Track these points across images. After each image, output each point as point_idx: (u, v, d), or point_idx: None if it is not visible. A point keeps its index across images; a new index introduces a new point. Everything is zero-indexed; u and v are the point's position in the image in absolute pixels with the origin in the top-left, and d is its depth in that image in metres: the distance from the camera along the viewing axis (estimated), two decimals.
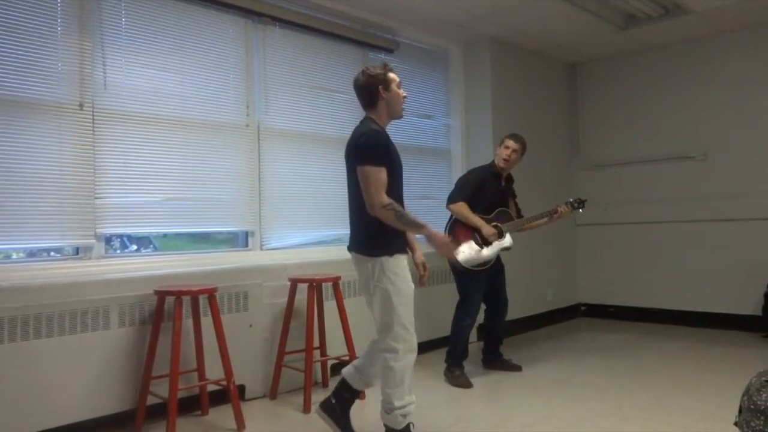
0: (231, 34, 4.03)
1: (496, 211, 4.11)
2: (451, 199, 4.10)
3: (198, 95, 3.84)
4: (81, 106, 3.32)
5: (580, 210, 4.21)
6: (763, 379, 2.26)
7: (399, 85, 2.82)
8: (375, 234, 2.71)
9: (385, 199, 2.63)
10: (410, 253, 2.91)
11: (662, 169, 5.88)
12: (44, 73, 3.20)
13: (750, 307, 5.24)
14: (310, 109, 4.44)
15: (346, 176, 2.84)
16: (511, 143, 4.11)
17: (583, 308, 6.48)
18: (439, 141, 5.53)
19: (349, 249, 2.85)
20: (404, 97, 2.84)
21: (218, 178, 3.91)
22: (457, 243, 3.94)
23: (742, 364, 4.15)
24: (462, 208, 4.01)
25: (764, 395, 2.19)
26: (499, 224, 4.05)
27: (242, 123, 4.06)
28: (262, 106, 4.17)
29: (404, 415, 2.74)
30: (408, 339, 2.72)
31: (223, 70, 3.98)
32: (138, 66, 3.57)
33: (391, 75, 2.79)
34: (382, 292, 2.69)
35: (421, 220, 2.73)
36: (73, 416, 3.01)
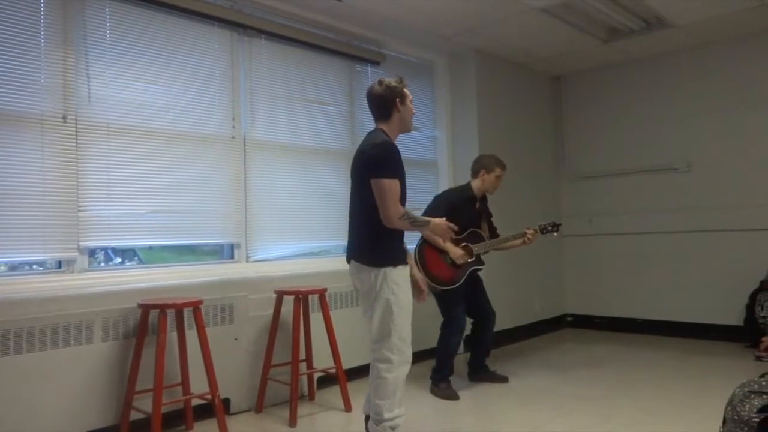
0: (217, 46, 4.03)
1: (468, 231, 4.08)
2: None
3: (183, 107, 3.82)
4: (64, 118, 3.30)
5: (555, 234, 4.21)
6: (747, 389, 2.28)
7: (411, 101, 2.88)
8: (379, 244, 2.73)
9: (401, 209, 2.68)
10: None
11: (647, 181, 5.94)
12: (27, 85, 3.17)
13: (734, 317, 5.28)
14: (296, 122, 4.44)
15: (351, 186, 2.87)
16: (502, 173, 4.14)
17: (569, 319, 6.51)
18: (426, 153, 5.55)
19: (349, 259, 2.85)
20: (413, 113, 2.90)
21: (204, 190, 3.89)
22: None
23: (726, 374, 4.18)
24: None
25: (747, 406, 2.20)
26: (469, 245, 4.05)
27: (228, 135, 4.05)
28: (248, 118, 4.16)
29: (393, 428, 2.73)
30: (404, 351, 2.73)
31: (209, 82, 3.97)
32: (122, 78, 3.55)
33: (406, 90, 2.85)
34: (384, 303, 2.68)
35: (424, 218, 2.89)
36: None
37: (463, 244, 4.03)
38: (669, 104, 5.82)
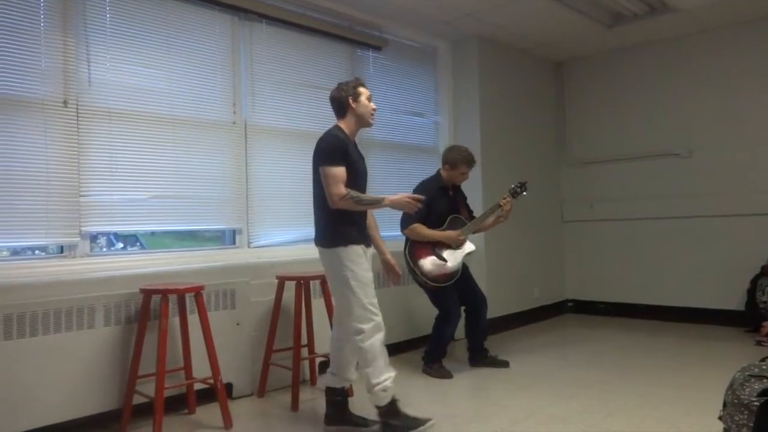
0: (217, 30, 4.01)
1: (448, 219, 4.10)
2: (404, 224, 4.04)
3: (184, 92, 3.81)
4: (65, 103, 3.29)
5: (524, 193, 4.18)
6: (747, 374, 2.28)
7: (369, 98, 3.03)
8: (331, 227, 2.94)
9: (342, 190, 2.84)
10: (377, 252, 3.19)
11: (648, 166, 5.92)
12: (27, 69, 3.16)
13: (734, 302, 5.29)
14: (297, 107, 4.42)
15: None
16: (467, 170, 4.13)
17: (570, 304, 6.52)
18: (428, 138, 5.52)
19: (315, 244, 3.03)
20: (374, 109, 3.05)
21: (205, 175, 3.89)
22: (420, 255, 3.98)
23: (726, 359, 4.19)
24: (418, 230, 4.00)
25: (748, 390, 2.21)
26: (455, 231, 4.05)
27: (229, 120, 4.04)
28: (249, 103, 4.15)
29: (384, 390, 2.88)
30: (373, 319, 2.88)
31: (210, 67, 3.95)
32: (123, 62, 3.54)
33: (361, 89, 3.04)
34: (341, 279, 2.89)
35: (377, 196, 2.97)
36: (58, 416, 2.98)
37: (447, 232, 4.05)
38: (670, 90, 5.79)
